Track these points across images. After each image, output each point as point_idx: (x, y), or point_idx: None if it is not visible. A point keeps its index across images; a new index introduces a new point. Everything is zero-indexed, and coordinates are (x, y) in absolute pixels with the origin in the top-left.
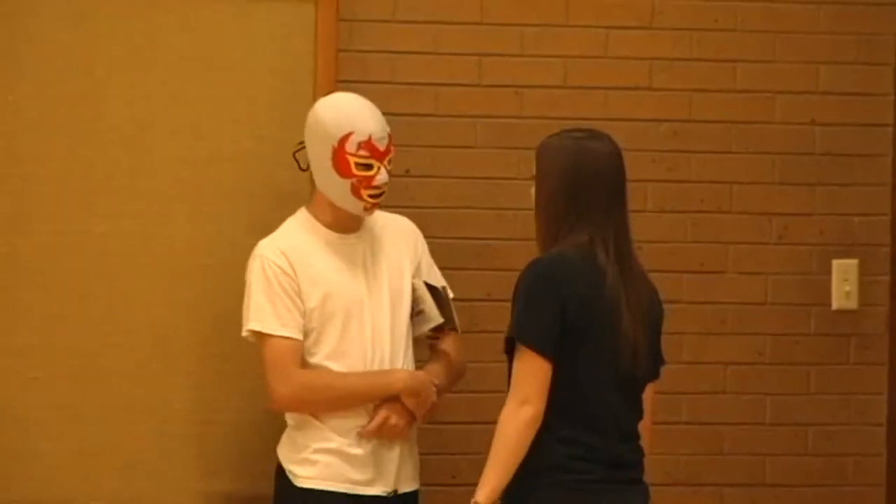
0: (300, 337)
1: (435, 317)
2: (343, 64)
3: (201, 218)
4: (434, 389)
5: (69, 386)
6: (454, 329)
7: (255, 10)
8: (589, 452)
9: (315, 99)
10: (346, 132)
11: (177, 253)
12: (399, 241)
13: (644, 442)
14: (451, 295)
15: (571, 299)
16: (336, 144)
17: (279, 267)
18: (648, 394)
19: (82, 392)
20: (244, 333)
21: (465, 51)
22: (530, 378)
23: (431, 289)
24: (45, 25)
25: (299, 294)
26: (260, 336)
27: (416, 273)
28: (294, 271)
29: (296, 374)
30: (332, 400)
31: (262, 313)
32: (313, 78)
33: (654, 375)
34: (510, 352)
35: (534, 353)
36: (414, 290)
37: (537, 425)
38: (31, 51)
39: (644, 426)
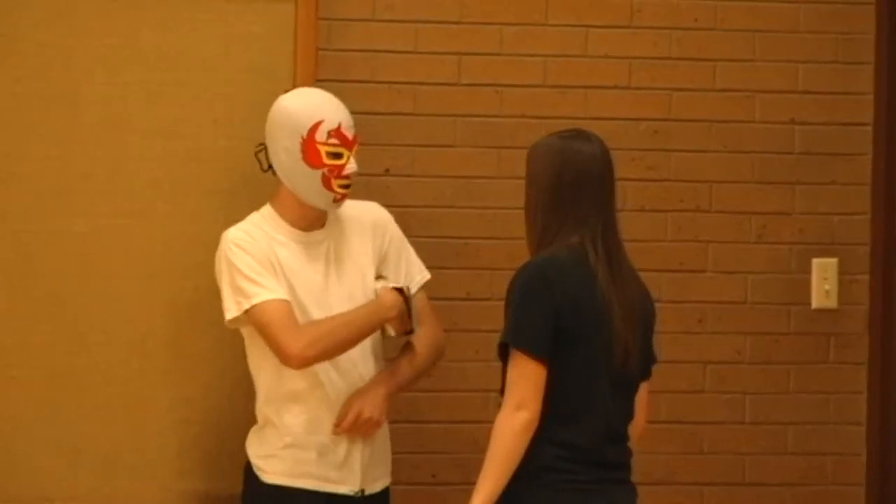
0: (290, 299)
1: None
2: (322, 63)
3: (179, 217)
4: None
5: (47, 385)
6: (411, 331)
7: (233, 8)
8: (579, 454)
9: None
10: (316, 121)
11: (155, 252)
12: (366, 234)
13: (633, 441)
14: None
15: (564, 301)
16: (305, 135)
17: (251, 243)
18: (642, 393)
19: (60, 391)
20: (235, 315)
21: (445, 50)
22: (524, 382)
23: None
24: (22, 25)
25: (273, 267)
26: (255, 309)
27: (383, 266)
28: (263, 253)
29: (303, 329)
30: (344, 341)
31: (254, 286)
32: (293, 77)
33: (646, 375)
34: (504, 356)
35: (527, 357)
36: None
37: (533, 429)
38: (8, 50)
39: (637, 425)
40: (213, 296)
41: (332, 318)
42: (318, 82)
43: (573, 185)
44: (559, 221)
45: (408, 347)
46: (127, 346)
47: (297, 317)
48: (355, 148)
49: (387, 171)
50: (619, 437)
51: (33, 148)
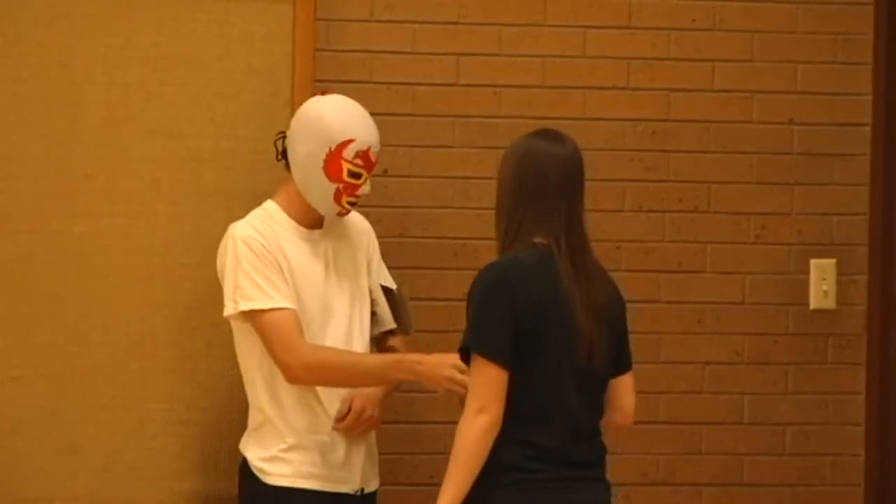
0: (296, 307)
1: (388, 321)
2: (321, 63)
3: (179, 218)
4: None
5: (47, 385)
6: (405, 333)
7: (232, 9)
8: (546, 453)
9: (294, 99)
10: (349, 138)
11: (155, 252)
12: (356, 238)
13: (611, 432)
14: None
15: (525, 303)
16: (334, 148)
17: (260, 243)
18: (626, 387)
19: (61, 391)
20: (230, 313)
21: (443, 50)
22: (486, 386)
23: (386, 291)
24: (22, 25)
25: (282, 269)
26: (256, 313)
27: (367, 272)
28: (272, 254)
29: (307, 348)
30: (343, 379)
31: (256, 290)
32: (291, 77)
33: (615, 372)
34: (467, 360)
35: (487, 361)
36: (370, 291)
37: (495, 432)
38: (8, 51)
39: (625, 416)
40: (213, 296)
41: (345, 355)
42: (316, 83)
43: (532, 186)
44: (518, 222)
45: (393, 347)
46: (127, 346)
47: (299, 317)
48: (376, 167)
49: (385, 171)
50: (588, 436)
51: (34, 148)
